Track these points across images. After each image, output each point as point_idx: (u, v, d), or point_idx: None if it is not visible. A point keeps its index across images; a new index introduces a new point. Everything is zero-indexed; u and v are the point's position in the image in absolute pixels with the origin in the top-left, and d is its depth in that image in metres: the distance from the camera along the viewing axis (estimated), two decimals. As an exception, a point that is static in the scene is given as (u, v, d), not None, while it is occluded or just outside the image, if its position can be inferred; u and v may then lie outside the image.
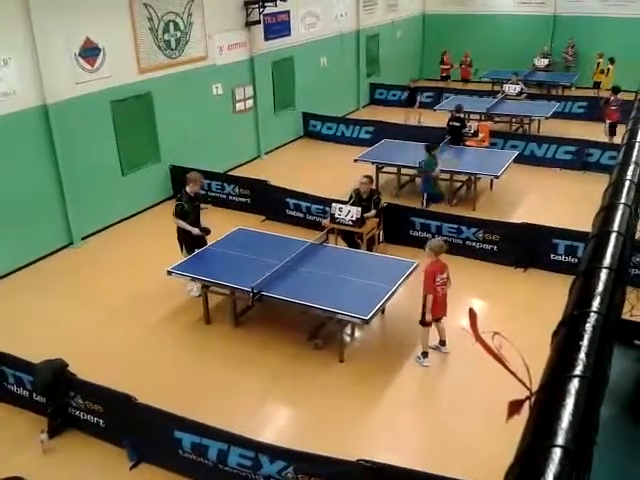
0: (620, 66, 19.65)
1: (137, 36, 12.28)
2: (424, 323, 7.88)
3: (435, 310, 7.80)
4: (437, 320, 7.97)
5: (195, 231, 9.42)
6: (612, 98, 15.80)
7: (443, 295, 7.81)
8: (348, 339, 8.65)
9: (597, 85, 20.67)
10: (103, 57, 11.64)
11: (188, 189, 9.57)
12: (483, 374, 7.04)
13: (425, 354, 8.00)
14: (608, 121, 15.75)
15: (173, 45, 13.20)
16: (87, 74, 11.41)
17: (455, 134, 14.49)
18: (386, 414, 7.31)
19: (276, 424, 7.38)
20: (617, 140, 14.98)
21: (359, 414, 7.23)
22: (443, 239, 10.79)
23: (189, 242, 9.55)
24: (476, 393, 7.42)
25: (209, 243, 9.72)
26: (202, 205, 9.97)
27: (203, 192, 10.28)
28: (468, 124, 15.11)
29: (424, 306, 7.78)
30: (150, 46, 12.63)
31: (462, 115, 15.03)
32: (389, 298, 8.09)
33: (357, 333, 8.82)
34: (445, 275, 7.77)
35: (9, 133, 10.28)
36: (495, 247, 10.56)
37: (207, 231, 9.61)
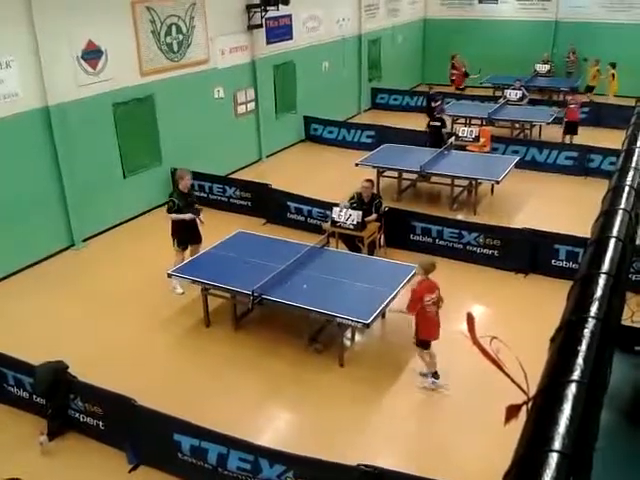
0: (621, 72, 19.65)
1: (139, 39, 12.31)
2: (421, 343, 7.58)
3: (431, 330, 7.47)
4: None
5: (187, 216, 9.66)
6: (570, 98, 16.78)
7: (433, 315, 7.41)
8: (348, 343, 8.64)
9: (590, 89, 20.66)
10: (105, 60, 11.66)
11: (180, 186, 9.83)
12: (482, 379, 7.02)
13: (435, 374, 7.63)
14: (565, 120, 16.42)
15: (175, 48, 13.23)
16: (89, 76, 11.42)
17: (437, 135, 14.44)
18: (386, 419, 7.29)
19: (276, 428, 7.36)
20: (576, 139, 16.07)
21: (359, 418, 7.22)
22: (443, 244, 10.95)
23: (181, 235, 9.75)
24: (475, 398, 7.40)
25: (210, 246, 9.74)
26: (197, 206, 10.05)
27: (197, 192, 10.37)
28: (450, 125, 15.08)
29: (416, 325, 7.53)
30: (152, 49, 12.65)
31: (442, 115, 15.05)
32: (390, 302, 8.08)
33: (357, 337, 8.80)
34: (435, 295, 7.38)
35: (11, 135, 10.29)
36: (496, 252, 10.55)
37: (197, 212, 9.84)
